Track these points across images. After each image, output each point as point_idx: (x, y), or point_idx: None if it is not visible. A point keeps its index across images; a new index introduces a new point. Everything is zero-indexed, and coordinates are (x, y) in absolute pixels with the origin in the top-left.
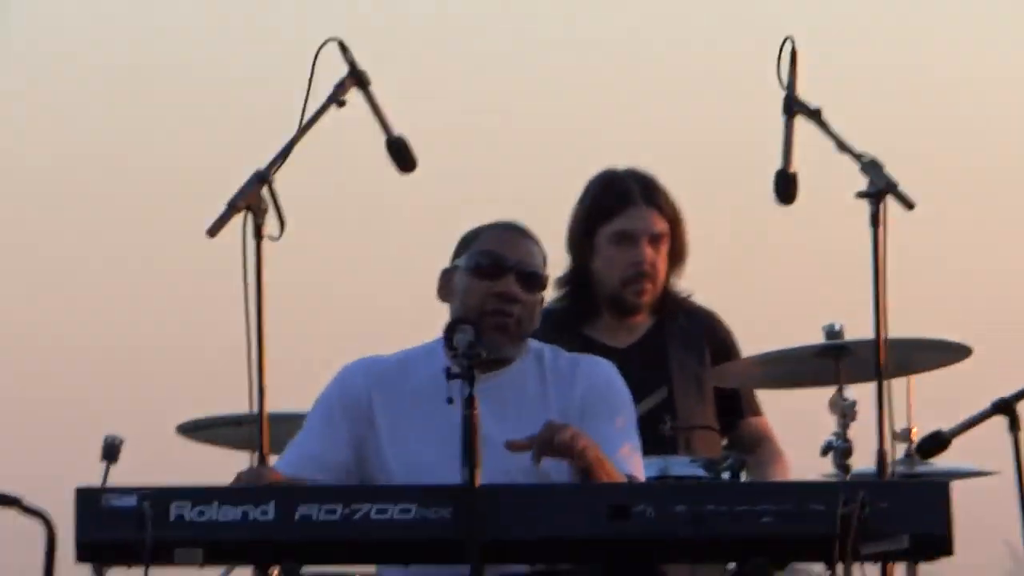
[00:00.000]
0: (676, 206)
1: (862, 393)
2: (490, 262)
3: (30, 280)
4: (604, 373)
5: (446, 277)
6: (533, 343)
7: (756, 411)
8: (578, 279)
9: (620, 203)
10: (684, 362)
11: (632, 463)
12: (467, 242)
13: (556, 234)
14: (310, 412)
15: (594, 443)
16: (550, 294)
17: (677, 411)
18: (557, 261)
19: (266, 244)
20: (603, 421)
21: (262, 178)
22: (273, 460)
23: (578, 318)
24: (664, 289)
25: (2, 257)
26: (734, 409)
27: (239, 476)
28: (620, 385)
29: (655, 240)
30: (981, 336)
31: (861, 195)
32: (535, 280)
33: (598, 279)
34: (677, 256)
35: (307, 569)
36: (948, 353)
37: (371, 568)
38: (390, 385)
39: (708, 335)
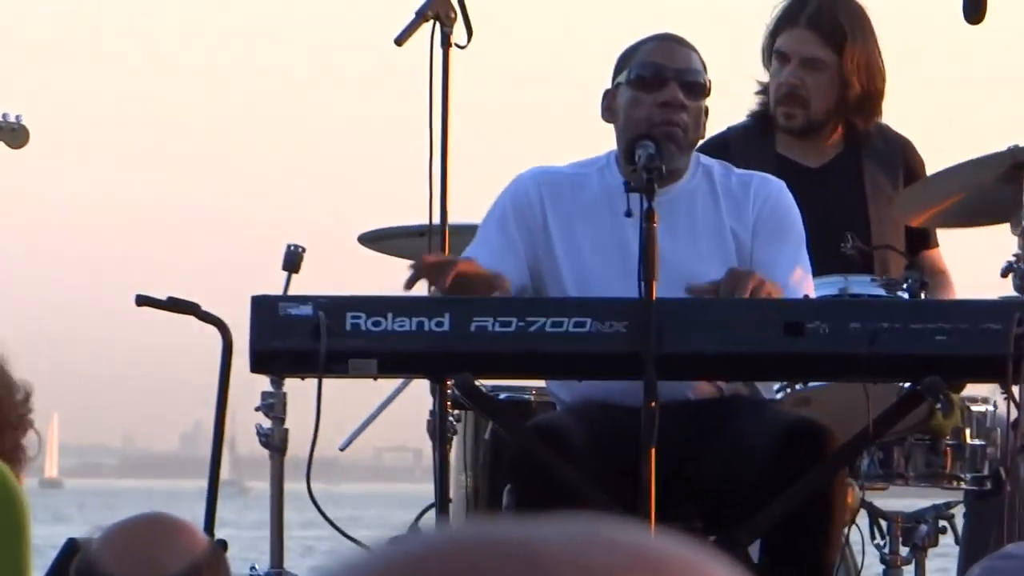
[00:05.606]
0: (847, 34)
1: None
2: (652, 72)
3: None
4: (776, 194)
5: (609, 97)
6: (703, 158)
7: (935, 243)
8: (766, 94)
9: (785, 21)
10: (879, 183)
11: (804, 286)
12: (626, 59)
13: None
14: (482, 224)
15: (770, 288)
16: (751, 105)
17: (871, 230)
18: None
19: (453, 53)
20: (776, 244)
21: None
22: None
23: (768, 135)
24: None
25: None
26: (920, 237)
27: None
28: (792, 206)
29: (809, 64)
30: None
31: None
32: (698, 87)
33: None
34: (848, 87)
35: (481, 381)
36: None
37: (541, 383)
38: (562, 196)
39: (904, 160)
